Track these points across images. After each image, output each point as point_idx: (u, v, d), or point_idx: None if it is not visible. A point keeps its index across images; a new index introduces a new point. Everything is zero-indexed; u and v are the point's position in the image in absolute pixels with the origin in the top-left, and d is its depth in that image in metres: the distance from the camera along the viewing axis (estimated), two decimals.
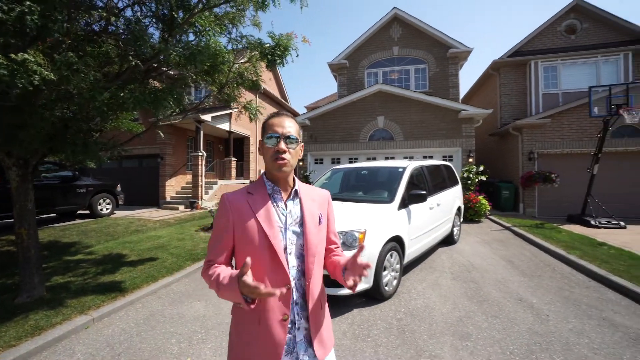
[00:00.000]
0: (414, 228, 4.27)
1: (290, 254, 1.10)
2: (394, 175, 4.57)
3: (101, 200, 9.58)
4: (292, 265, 1.09)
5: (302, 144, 1.18)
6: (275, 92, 18.83)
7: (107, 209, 9.73)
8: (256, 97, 15.60)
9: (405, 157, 10.06)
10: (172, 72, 4.82)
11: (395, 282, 3.82)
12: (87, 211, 9.43)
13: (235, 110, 5.13)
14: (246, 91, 5.00)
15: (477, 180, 9.27)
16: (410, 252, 4.24)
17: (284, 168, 1.09)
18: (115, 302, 3.56)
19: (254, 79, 4.48)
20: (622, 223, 7.63)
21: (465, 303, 3.58)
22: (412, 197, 4.21)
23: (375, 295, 3.61)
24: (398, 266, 3.89)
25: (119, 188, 10.23)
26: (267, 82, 17.36)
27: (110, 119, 3.81)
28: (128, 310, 3.51)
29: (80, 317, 3.19)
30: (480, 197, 8.69)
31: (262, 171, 1.16)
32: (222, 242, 1.11)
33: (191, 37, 4.14)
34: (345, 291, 3.30)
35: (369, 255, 3.41)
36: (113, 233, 7.25)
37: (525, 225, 7.81)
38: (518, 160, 10.28)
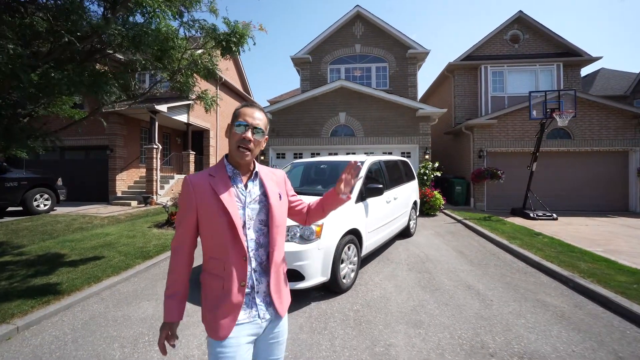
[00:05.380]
0: (371, 221, 4.36)
1: (249, 229, 1.23)
2: None
3: (38, 196, 8.63)
4: (250, 238, 1.22)
5: (267, 137, 1.32)
6: (237, 84, 18.24)
7: (45, 205, 8.79)
8: (217, 89, 14.98)
9: (366, 153, 10.30)
10: (119, 56, 4.42)
11: (352, 275, 3.88)
12: (20, 208, 8.44)
13: (191, 100, 4.84)
14: (204, 81, 4.74)
15: (432, 176, 9.76)
16: (368, 245, 4.33)
17: (246, 158, 1.22)
18: (48, 307, 3.20)
19: (210, 67, 4.23)
20: (554, 215, 8.50)
21: (419, 292, 3.73)
22: (369, 191, 4.28)
23: (333, 288, 3.62)
24: (355, 259, 3.95)
25: (60, 182, 9.27)
26: (228, 74, 16.74)
27: (41, 102, 3.38)
28: (64, 316, 3.17)
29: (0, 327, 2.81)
30: (436, 192, 9.15)
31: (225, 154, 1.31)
32: (187, 221, 1.23)
33: (139, 19, 3.83)
34: (302, 285, 3.28)
35: (326, 248, 3.42)
36: (51, 231, 6.56)
37: (474, 218, 8.37)
38: (469, 158, 10.98)
